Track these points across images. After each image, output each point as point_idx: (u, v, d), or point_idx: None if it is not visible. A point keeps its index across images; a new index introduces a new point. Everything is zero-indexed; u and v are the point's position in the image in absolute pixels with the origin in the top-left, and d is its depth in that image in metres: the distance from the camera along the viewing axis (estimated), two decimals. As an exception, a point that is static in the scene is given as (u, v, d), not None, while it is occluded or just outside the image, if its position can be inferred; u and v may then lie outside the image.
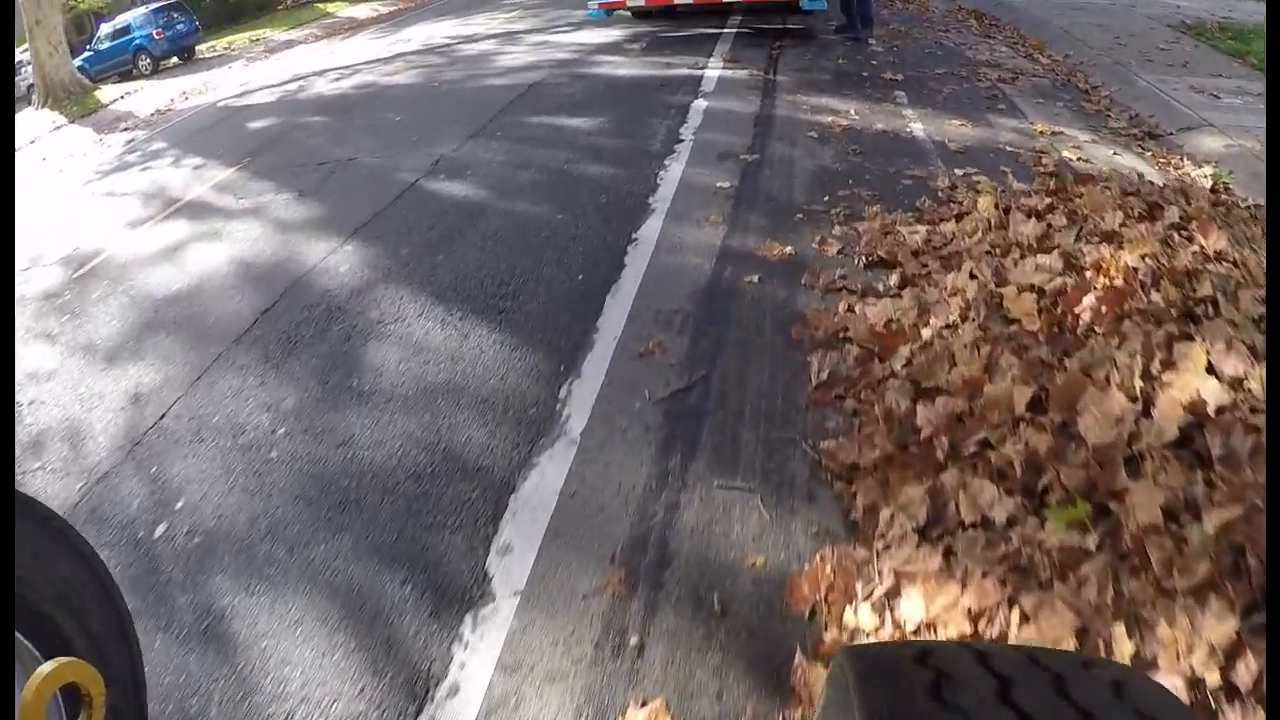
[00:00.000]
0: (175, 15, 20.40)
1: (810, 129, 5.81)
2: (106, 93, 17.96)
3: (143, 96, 16.30)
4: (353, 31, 17.71)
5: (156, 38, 19.51)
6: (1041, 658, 0.90)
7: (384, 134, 7.27)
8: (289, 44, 18.60)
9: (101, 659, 1.30)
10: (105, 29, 20.49)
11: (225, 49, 20.79)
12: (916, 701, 0.82)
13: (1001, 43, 9.02)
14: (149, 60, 19.66)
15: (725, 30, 9.57)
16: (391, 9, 21.56)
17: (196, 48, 20.96)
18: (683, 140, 5.73)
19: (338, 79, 10.86)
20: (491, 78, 8.74)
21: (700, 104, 6.59)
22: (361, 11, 22.32)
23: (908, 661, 0.88)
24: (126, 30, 19.93)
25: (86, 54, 20.48)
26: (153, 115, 13.24)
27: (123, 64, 20.04)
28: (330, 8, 24.33)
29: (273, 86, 11.75)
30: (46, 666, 1.10)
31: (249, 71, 15.41)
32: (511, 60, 9.54)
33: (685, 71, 7.72)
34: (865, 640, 1.85)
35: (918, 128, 5.79)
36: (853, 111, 6.16)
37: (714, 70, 7.68)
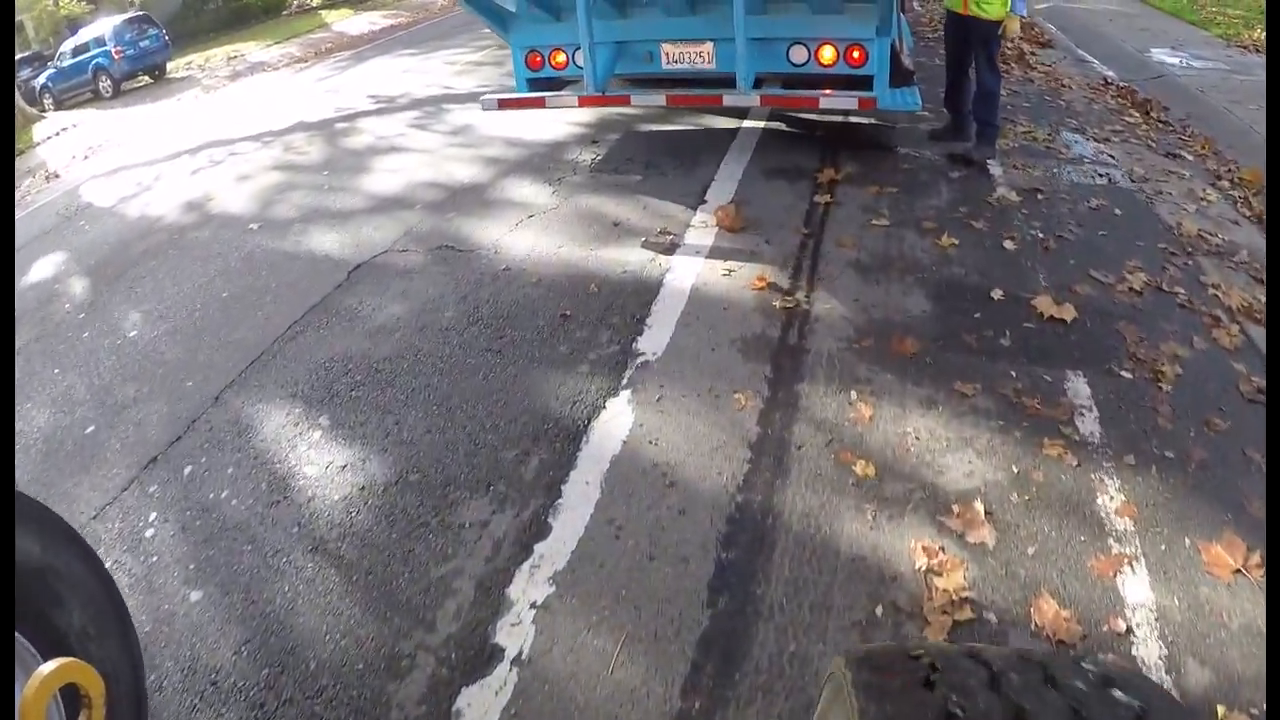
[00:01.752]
0: (145, 28, 17.26)
1: (875, 615, 2.01)
2: (47, 125, 15.00)
3: (71, 139, 13.35)
4: (321, 58, 14.26)
5: (116, 57, 16.39)
6: (1030, 654, 0.87)
7: (53, 422, 3.71)
8: (257, 68, 15.29)
9: (101, 659, 1.25)
10: (68, 44, 17.50)
11: (200, 66, 17.62)
12: (911, 695, 0.80)
13: (1200, 173, 5.12)
14: (109, 82, 16.58)
15: (746, 124, 5.69)
16: (388, 23, 18.04)
17: (169, 64, 17.81)
18: None
19: (200, 170, 7.41)
20: (325, 227, 5.06)
21: (612, 430, 2.83)
22: (357, 24, 18.84)
23: (902, 659, 0.86)
24: (86, 47, 16.87)
25: (50, 70, 17.56)
26: (47, 178, 10.19)
27: (84, 84, 17.05)
28: (331, 16, 20.93)
29: (154, 163, 8.41)
30: (46, 667, 1.07)
31: (187, 111, 12.22)
32: (388, 174, 5.83)
33: (635, 258, 3.93)
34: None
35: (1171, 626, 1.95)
36: (982, 501, 2.34)
37: (693, 256, 3.88)
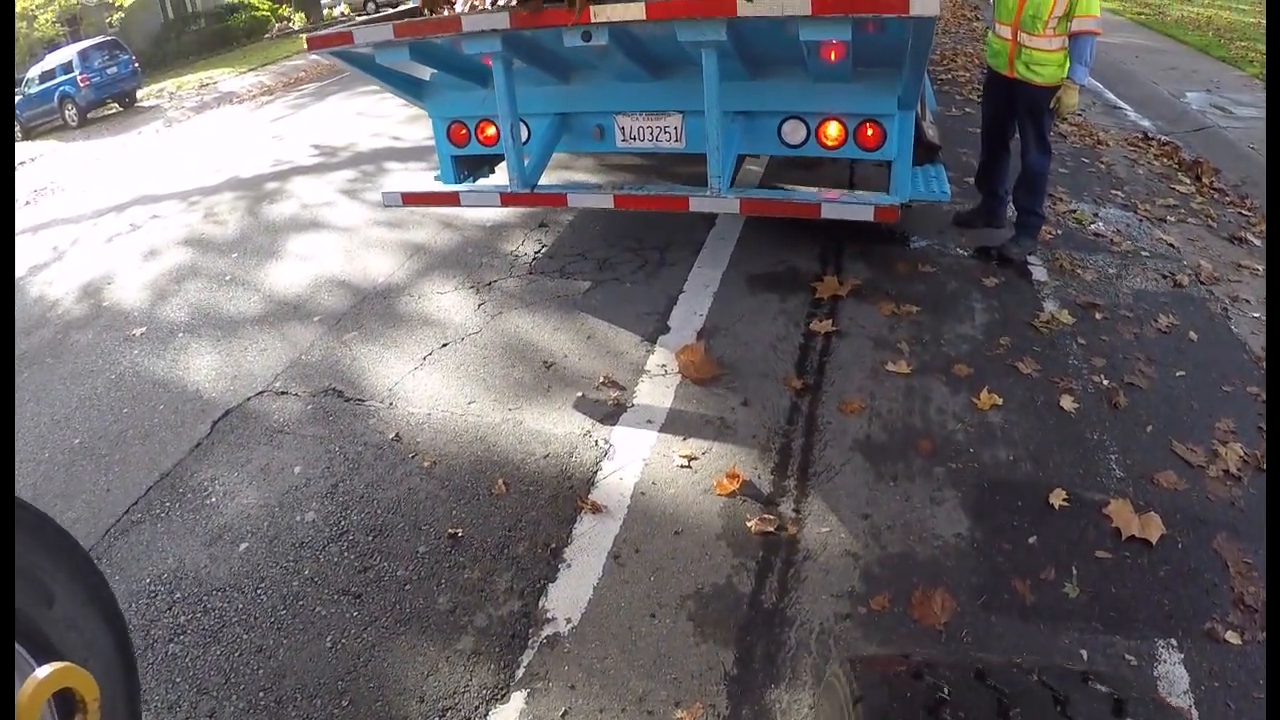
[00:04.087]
0: (115, 54, 16.31)
1: None
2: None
3: (22, 178, 12.42)
4: (288, 90, 13.31)
5: (82, 85, 15.44)
6: (1032, 667, 0.85)
7: None
8: (224, 99, 14.34)
9: (96, 664, 1.24)
10: (34, 70, 16.54)
11: (171, 94, 16.67)
12: (913, 708, 0.79)
13: None
14: (75, 111, 15.64)
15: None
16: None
17: (140, 91, 16.87)
18: None
19: (117, 236, 6.51)
20: (208, 344, 4.04)
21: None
22: (336, 49, 17.87)
23: (902, 670, 0.84)
24: (53, 74, 15.92)
25: (17, 98, 16.60)
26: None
27: (51, 113, 16.11)
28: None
29: (81, 220, 7.51)
30: (41, 672, 1.04)
31: (141, 150, 11.34)
32: (298, 263, 4.80)
33: (565, 429, 2.88)
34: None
35: None
36: None
37: (642, 427, 2.84)
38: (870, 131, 3.38)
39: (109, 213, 7.46)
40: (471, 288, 3.98)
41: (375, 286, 4.19)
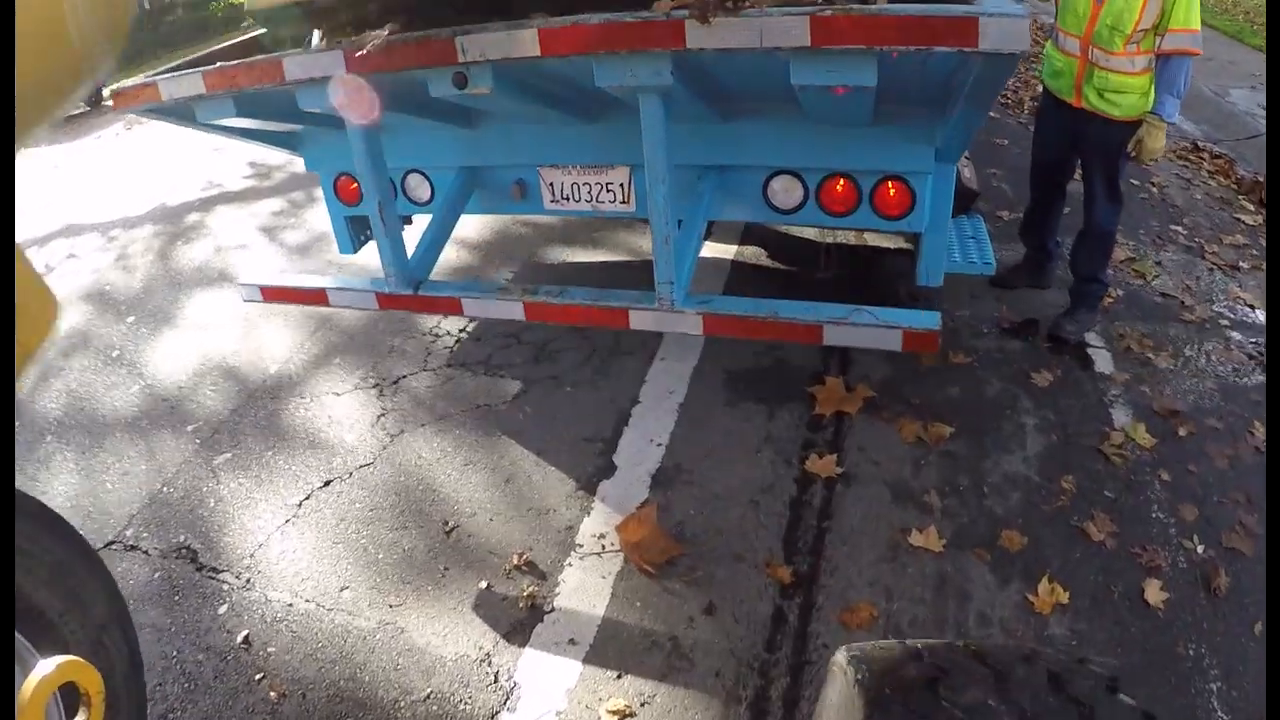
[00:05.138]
0: (80, 51, 15.29)
1: None
2: (-37, 163, 13.12)
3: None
4: (252, 88, 12.30)
5: (43, 84, 14.43)
6: (1035, 656, 0.85)
7: None
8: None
9: (100, 657, 1.23)
10: (-3, 69, 15.53)
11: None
12: (916, 697, 0.78)
13: None
14: (38, 112, 14.65)
15: (705, 253, 3.74)
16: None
17: (105, 90, 15.86)
18: None
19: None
20: (74, 455, 3.16)
21: None
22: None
23: (906, 660, 0.84)
24: (14, 73, 14.92)
25: (-19, 99, 15.63)
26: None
27: (14, 114, 15.11)
28: (290, 29, 18.85)
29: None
30: (46, 665, 1.04)
31: (91, 159, 10.36)
32: (193, 334, 3.90)
33: (457, 649, 2.05)
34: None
35: None
36: None
37: (562, 653, 2.01)
38: (893, 192, 2.45)
39: (31, 248, 6.60)
40: (374, 386, 3.12)
41: (265, 379, 3.33)
